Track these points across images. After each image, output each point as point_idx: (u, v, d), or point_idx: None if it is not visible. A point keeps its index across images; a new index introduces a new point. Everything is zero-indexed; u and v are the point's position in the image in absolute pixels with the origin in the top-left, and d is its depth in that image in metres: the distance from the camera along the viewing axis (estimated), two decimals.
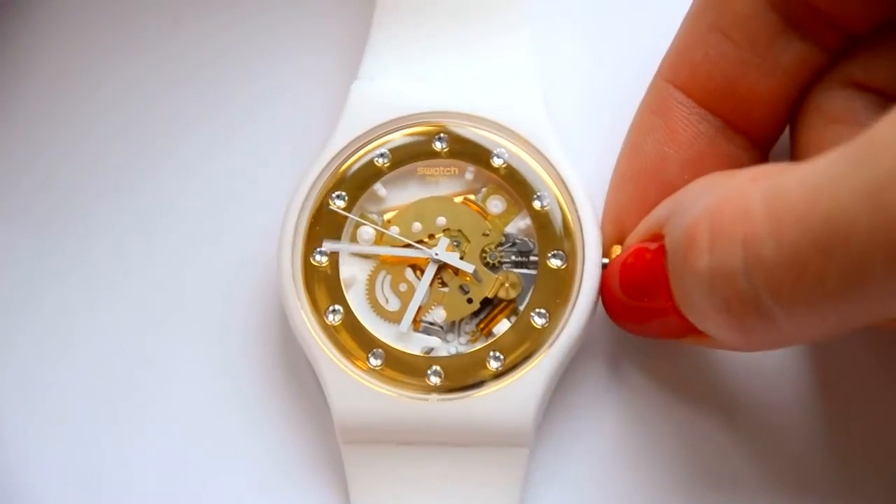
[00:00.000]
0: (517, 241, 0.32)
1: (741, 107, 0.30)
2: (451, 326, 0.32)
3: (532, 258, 0.32)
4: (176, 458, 0.33)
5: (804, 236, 0.22)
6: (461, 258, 0.32)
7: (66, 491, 0.33)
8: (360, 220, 0.32)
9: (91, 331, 0.34)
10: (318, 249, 0.32)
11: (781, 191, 0.23)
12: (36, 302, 0.34)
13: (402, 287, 0.32)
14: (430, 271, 0.32)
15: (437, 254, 0.32)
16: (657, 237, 0.28)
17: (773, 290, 0.23)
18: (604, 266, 0.31)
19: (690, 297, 0.26)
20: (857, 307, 0.22)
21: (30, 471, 0.33)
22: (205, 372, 0.34)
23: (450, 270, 0.32)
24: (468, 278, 0.32)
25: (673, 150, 0.30)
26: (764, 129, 0.30)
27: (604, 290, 0.31)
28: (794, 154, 0.30)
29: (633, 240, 0.30)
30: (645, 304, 0.29)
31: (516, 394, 0.30)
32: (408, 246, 0.32)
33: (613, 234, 0.32)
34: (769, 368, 0.33)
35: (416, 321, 0.32)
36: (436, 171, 0.33)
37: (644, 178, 0.31)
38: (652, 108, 0.31)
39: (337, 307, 0.31)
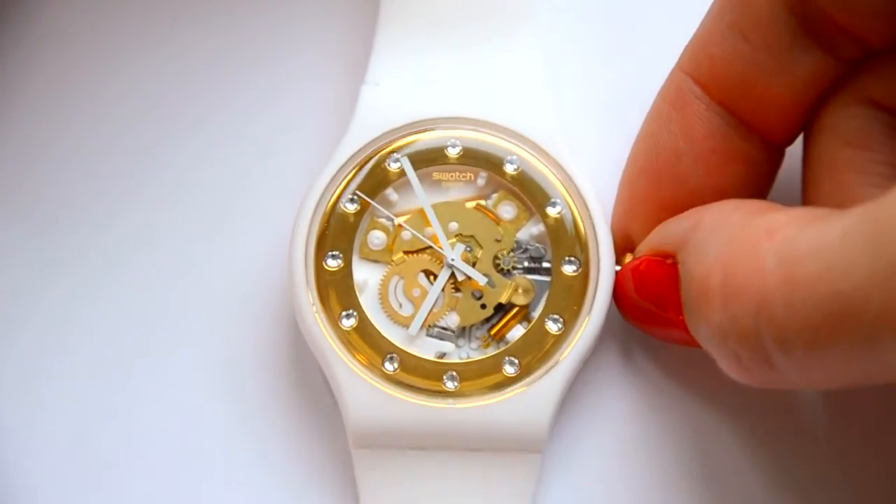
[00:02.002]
0: (529, 246, 0.32)
1: (755, 107, 0.30)
2: (463, 332, 0.32)
3: (544, 264, 0.32)
4: (184, 462, 0.33)
5: (816, 308, 0.22)
6: (474, 263, 0.32)
7: (71, 495, 0.32)
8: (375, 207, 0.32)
9: (98, 334, 0.34)
10: (330, 253, 0.31)
11: (796, 256, 0.23)
12: (42, 302, 0.34)
13: (416, 292, 0.32)
14: (444, 275, 0.32)
15: (452, 259, 0.32)
16: (669, 256, 0.28)
17: (785, 351, 0.24)
18: (616, 273, 0.31)
19: (701, 337, 0.27)
20: (867, 372, 0.23)
21: (35, 473, 0.33)
22: (213, 375, 0.33)
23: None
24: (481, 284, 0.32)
25: (687, 144, 0.30)
26: (778, 131, 0.31)
27: (617, 290, 0.31)
28: (806, 171, 0.30)
29: (644, 249, 0.30)
30: (655, 312, 0.29)
31: (533, 399, 0.30)
32: (423, 250, 0.32)
33: (624, 227, 0.32)
34: None
35: (428, 325, 0.32)
36: (448, 176, 0.33)
37: (656, 171, 0.31)
38: (669, 100, 0.31)
39: (351, 312, 0.31)
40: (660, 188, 0.31)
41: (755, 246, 0.24)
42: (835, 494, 0.32)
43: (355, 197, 0.32)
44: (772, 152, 0.31)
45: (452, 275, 0.32)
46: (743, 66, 0.29)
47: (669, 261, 0.28)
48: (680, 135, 0.30)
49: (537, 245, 0.32)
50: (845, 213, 0.23)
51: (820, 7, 0.27)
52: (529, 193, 0.32)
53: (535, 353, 0.31)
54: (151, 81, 0.36)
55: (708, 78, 0.30)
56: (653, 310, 0.30)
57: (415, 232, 0.32)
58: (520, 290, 0.32)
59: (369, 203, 0.32)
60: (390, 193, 0.33)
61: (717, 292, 0.25)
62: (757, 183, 0.31)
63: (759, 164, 0.31)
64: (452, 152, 0.32)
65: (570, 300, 0.31)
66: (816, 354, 0.23)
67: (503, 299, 0.32)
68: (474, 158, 0.32)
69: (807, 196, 0.29)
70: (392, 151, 0.32)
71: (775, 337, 0.23)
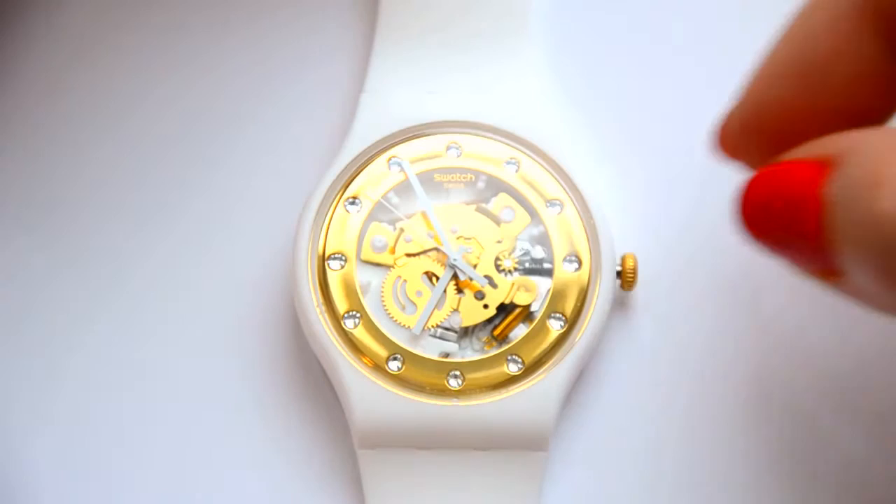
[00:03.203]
0: (530, 247, 0.33)
1: None
2: (465, 333, 0.32)
3: (546, 265, 0.32)
4: (188, 464, 0.33)
5: None
6: (476, 265, 0.32)
7: (75, 496, 0.33)
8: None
9: (101, 336, 0.34)
10: (333, 256, 0.32)
11: None
12: (46, 304, 0.34)
13: (418, 293, 0.32)
14: (447, 275, 0.32)
15: (454, 259, 0.32)
16: (826, 160, 0.25)
17: None
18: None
19: (854, 236, 0.24)
20: None
21: (40, 477, 0.33)
22: (216, 378, 0.34)
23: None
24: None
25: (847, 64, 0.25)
26: None
27: (748, 195, 0.26)
28: None
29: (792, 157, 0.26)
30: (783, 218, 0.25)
31: (536, 397, 0.30)
32: (425, 251, 0.32)
33: (754, 123, 0.27)
34: (790, 360, 0.33)
35: (431, 326, 0.32)
36: (448, 178, 0.33)
37: (815, 82, 0.26)
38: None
39: (355, 313, 0.31)
40: (816, 98, 0.26)
41: None
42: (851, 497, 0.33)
43: (357, 200, 0.32)
44: None
45: (455, 276, 0.32)
46: None
47: (824, 164, 0.24)
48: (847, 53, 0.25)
49: (539, 246, 0.33)
50: None
51: None
52: (529, 195, 0.33)
53: (538, 351, 0.31)
54: (155, 85, 0.36)
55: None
56: (780, 216, 0.25)
57: (421, 229, 0.32)
58: (522, 291, 0.32)
59: (371, 206, 0.32)
60: (392, 197, 0.33)
61: (891, 182, 0.22)
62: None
63: None
64: (453, 155, 0.33)
65: (571, 298, 0.31)
66: None
67: (505, 300, 0.32)
68: (474, 161, 0.33)
69: None
70: (393, 155, 0.33)
71: None
